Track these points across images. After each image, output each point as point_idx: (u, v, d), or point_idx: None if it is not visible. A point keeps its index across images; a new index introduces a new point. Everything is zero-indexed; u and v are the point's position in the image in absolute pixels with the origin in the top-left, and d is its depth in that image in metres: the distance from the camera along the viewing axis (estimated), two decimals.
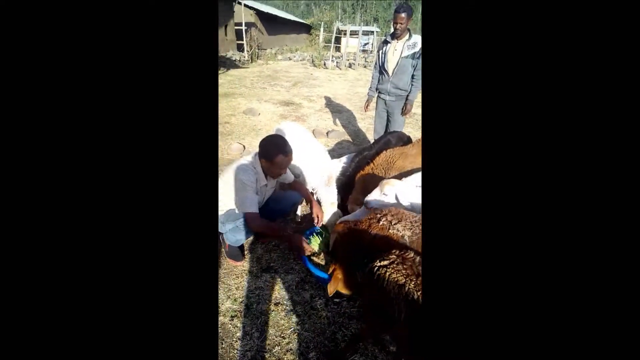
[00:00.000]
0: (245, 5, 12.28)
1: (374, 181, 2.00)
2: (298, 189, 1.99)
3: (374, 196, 1.69)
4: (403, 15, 2.38)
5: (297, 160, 2.03)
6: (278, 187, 1.99)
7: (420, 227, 1.28)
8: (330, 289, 1.30)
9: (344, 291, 1.34)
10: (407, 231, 1.30)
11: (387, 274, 1.01)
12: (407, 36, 2.51)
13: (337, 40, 15.78)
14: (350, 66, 12.33)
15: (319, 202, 1.99)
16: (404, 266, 1.00)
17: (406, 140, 2.34)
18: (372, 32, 16.53)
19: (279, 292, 1.68)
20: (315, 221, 1.90)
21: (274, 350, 1.37)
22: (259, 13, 14.21)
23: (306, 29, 24.06)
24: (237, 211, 1.63)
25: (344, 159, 2.38)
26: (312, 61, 12.70)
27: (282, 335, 1.44)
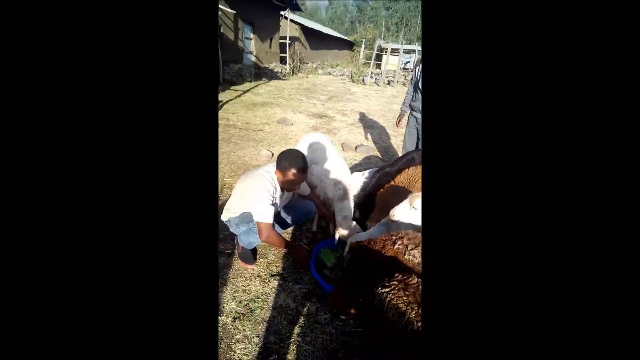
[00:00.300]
0: (291, 20, 12.80)
1: (395, 199, 1.94)
2: (312, 200, 1.98)
3: (402, 210, 1.62)
4: None
5: (315, 171, 2.04)
6: (295, 197, 2.00)
7: None
8: (330, 306, 1.26)
9: (344, 310, 1.29)
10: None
11: (388, 299, 0.96)
12: None
13: (379, 57, 15.88)
14: (388, 83, 12.31)
15: (333, 214, 1.97)
16: (406, 293, 0.95)
17: None
18: (414, 50, 16.44)
19: (285, 300, 1.66)
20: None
21: (271, 358, 1.35)
22: (303, 28, 14.75)
23: (349, 45, 24.51)
24: (253, 217, 1.66)
25: (366, 173, 2.35)
26: (351, 77, 12.86)
27: (281, 344, 1.42)
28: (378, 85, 11.80)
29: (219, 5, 7.42)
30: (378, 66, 16.39)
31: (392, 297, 0.95)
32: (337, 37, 21.62)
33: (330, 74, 14.46)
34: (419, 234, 1.33)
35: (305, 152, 2.13)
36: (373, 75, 12.99)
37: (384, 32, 32.89)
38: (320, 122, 5.48)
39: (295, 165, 1.59)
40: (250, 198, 1.63)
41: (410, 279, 0.98)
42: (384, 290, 0.99)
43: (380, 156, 4.13)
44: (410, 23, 36.85)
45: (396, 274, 1.02)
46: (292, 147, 1.84)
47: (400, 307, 0.92)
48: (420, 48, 18.88)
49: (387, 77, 12.92)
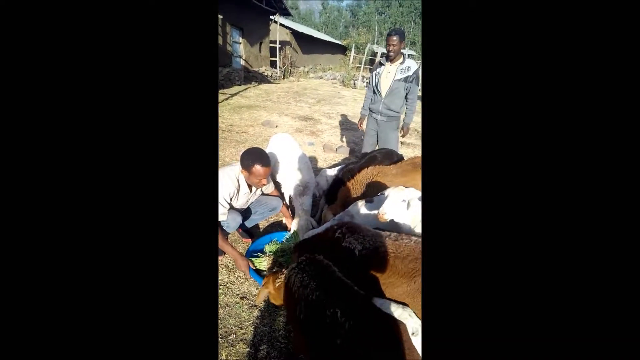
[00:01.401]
0: (281, 25, 12.98)
1: (353, 195, 2.10)
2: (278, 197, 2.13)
3: (392, 205, 1.62)
4: (395, 37, 2.54)
5: (280, 170, 2.18)
6: (262, 193, 2.13)
7: (372, 243, 1.33)
8: (258, 298, 1.36)
9: (275, 301, 1.36)
10: (358, 245, 1.35)
11: (294, 275, 1.09)
12: (401, 60, 2.65)
13: (372, 62, 16.17)
14: None
15: (293, 209, 2.12)
16: (311, 267, 1.08)
17: (396, 159, 2.41)
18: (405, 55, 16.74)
19: (248, 288, 1.79)
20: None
21: (229, 338, 1.48)
22: (294, 32, 14.94)
23: (342, 49, 24.77)
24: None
25: (334, 170, 2.51)
26: (342, 81, 13.07)
27: (240, 326, 1.55)
28: None
29: None
30: (371, 70, 16.65)
31: (298, 271, 1.09)
32: (329, 41, 21.87)
33: (321, 77, 14.67)
34: (357, 224, 1.46)
35: (273, 151, 2.28)
36: (364, 79, 13.22)
37: (377, 36, 33.29)
38: (305, 124, 5.63)
39: (257, 160, 1.71)
40: None
41: (317, 256, 1.12)
42: (291, 268, 1.13)
43: (358, 157, 4.28)
44: (403, 28, 37.38)
45: (306, 254, 1.16)
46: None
47: (305, 280, 1.05)
48: (414, 53, 19.22)
49: None
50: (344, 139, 5.02)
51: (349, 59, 16.86)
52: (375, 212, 1.78)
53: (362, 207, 1.84)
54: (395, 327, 0.94)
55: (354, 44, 18.48)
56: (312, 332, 0.97)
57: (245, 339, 1.48)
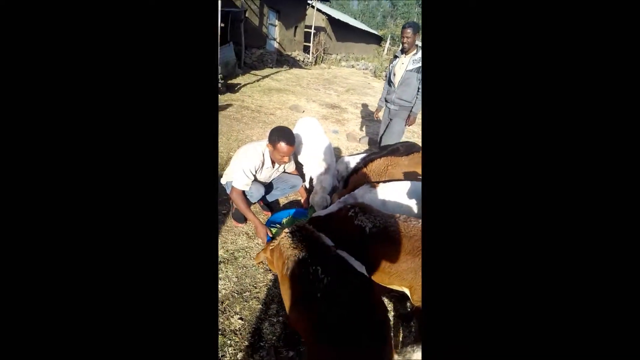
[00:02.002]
0: (318, 10, 12.92)
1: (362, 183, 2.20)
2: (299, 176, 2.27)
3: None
4: (409, 30, 2.62)
5: (303, 151, 2.31)
6: (283, 170, 2.27)
7: (382, 222, 1.45)
8: (257, 258, 1.50)
9: (272, 267, 1.48)
10: (369, 223, 1.47)
11: (284, 239, 1.25)
12: (415, 51, 2.72)
13: None
14: None
15: (312, 186, 2.26)
16: (299, 233, 1.23)
17: (416, 151, 2.47)
18: None
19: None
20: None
21: (244, 294, 1.65)
22: (330, 19, 14.82)
23: (377, 39, 24.28)
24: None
25: (356, 158, 2.60)
26: (374, 71, 12.91)
27: (255, 285, 1.72)
28: None
29: None
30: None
31: (289, 235, 1.25)
32: (364, 30, 21.46)
33: (353, 66, 14.53)
34: (369, 205, 1.58)
35: (299, 133, 2.40)
36: None
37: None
38: (331, 112, 5.71)
39: (283, 138, 1.84)
40: (236, 165, 1.91)
41: (306, 225, 1.29)
42: (282, 233, 1.28)
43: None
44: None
45: (301, 224, 1.32)
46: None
47: (294, 244, 1.20)
48: None
49: None
50: (365, 129, 5.07)
51: (383, 50, 16.55)
52: (381, 198, 1.88)
53: (366, 192, 1.94)
54: (367, 284, 1.10)
55: (389, 35, 18.09)
56: (297, 286, 1.13)
57: (258, 297, 1.65)
